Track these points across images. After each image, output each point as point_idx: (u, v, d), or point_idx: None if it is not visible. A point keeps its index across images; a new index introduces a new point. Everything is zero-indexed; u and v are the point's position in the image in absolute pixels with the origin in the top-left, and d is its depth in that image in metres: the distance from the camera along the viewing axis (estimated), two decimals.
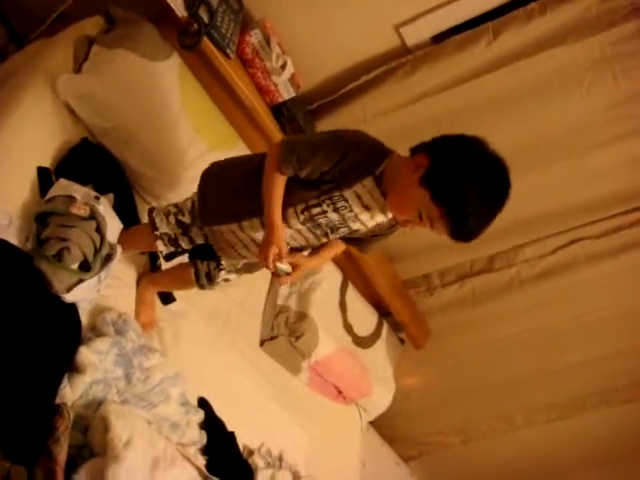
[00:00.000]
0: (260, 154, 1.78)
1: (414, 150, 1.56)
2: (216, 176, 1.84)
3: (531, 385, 3.68)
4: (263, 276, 2.04)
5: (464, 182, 1.43)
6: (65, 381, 1.59)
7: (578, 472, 4.01)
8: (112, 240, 1.84)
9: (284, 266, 1.64)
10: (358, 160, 1.54)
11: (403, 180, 1.53)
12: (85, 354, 1.67)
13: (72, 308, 1.74)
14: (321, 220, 1.68)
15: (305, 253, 1.89)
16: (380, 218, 1.70)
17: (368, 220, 1.69)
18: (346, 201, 1.62)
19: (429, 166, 1.48)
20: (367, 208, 1.64)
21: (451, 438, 4.11)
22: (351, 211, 1.64)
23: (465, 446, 4.11)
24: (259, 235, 1.73)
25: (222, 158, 1.91)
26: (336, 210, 1.64)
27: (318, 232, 1.74)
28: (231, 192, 1.78)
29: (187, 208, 1.86)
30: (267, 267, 1.64)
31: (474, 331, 3.55)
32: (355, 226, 1.71)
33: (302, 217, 1.68)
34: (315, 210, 1.66)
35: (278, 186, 1.63)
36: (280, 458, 2.49)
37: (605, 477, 3.94)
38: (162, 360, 1.94)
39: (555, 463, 4.02)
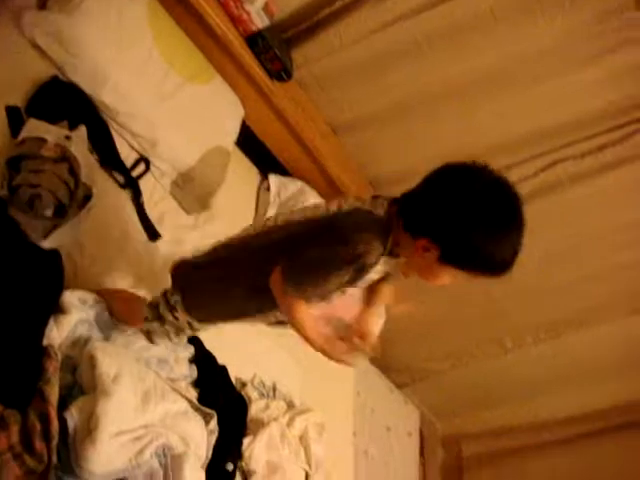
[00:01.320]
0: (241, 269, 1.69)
1: (410, 224, 1.48)
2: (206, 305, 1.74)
3: (520, 307, 3.68)
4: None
5: (482, 247, 1.41)
6: (51, 322, 1.60)
7: (572, 388, 4.07)
8: (88, 180, 1.81)
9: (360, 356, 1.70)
10: (372, 261, 1.51)
11: (422, 263, 1.51)
12: (69, 296, 1.68)
13: (53, 254, 1.73)
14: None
15: None
16: None
17: None
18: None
19: (440, 249, 1.43)
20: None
21: (442, 364, 4.15)
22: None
23: (458, 371, 4.14)
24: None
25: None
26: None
27: None
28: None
29: (184, 324, 1.76)
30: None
31: None
32: None
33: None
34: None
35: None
36: (274, 388, 2.52)
37: (601, 392, 3.98)
38: None
39: (548, 382, 4.08)
